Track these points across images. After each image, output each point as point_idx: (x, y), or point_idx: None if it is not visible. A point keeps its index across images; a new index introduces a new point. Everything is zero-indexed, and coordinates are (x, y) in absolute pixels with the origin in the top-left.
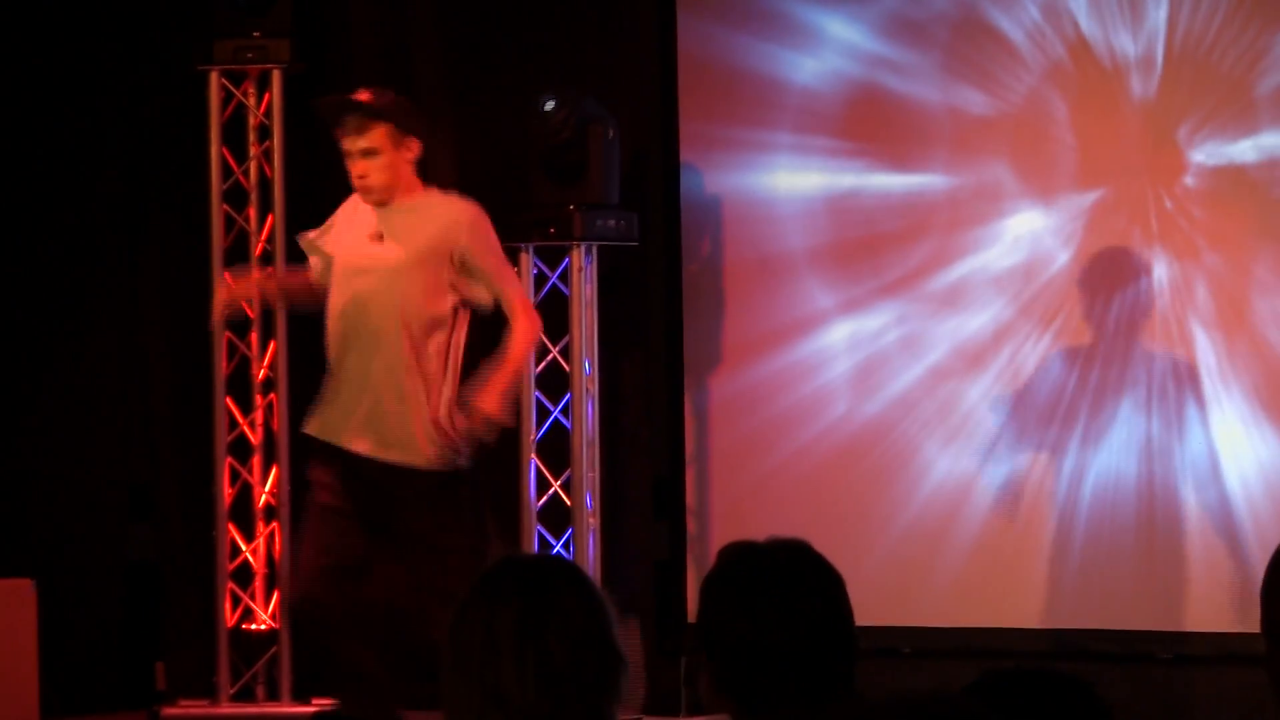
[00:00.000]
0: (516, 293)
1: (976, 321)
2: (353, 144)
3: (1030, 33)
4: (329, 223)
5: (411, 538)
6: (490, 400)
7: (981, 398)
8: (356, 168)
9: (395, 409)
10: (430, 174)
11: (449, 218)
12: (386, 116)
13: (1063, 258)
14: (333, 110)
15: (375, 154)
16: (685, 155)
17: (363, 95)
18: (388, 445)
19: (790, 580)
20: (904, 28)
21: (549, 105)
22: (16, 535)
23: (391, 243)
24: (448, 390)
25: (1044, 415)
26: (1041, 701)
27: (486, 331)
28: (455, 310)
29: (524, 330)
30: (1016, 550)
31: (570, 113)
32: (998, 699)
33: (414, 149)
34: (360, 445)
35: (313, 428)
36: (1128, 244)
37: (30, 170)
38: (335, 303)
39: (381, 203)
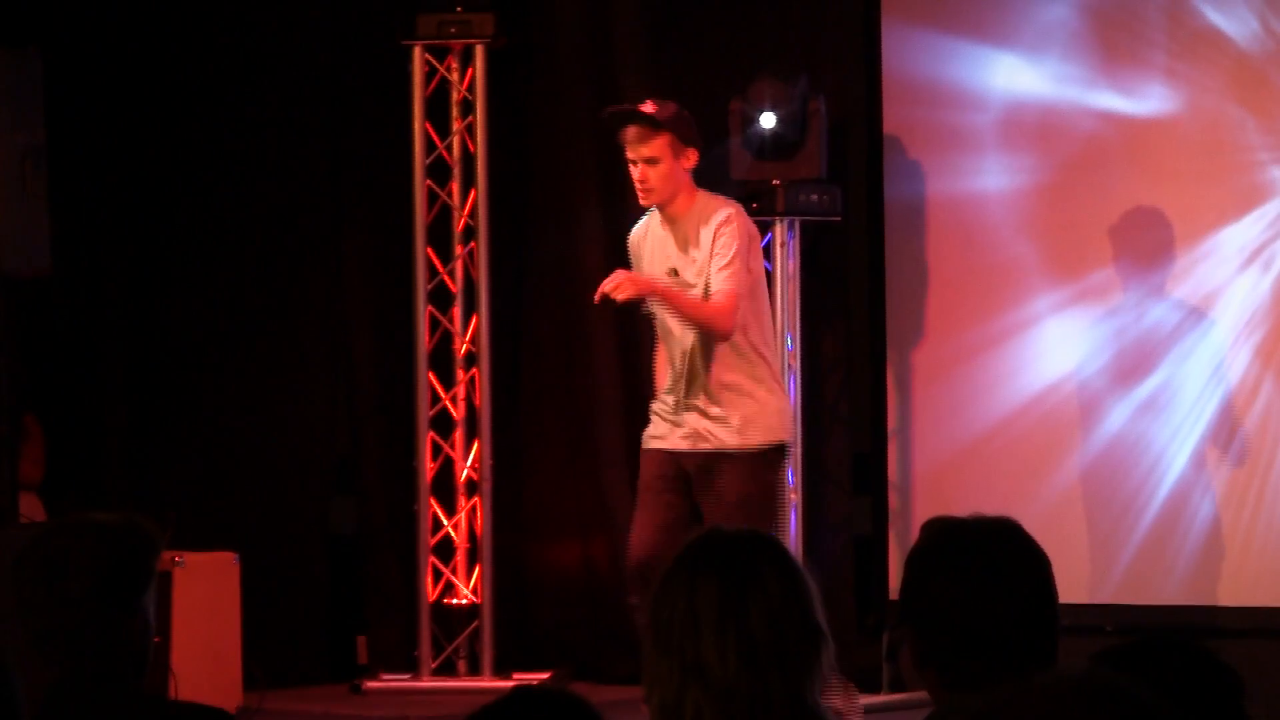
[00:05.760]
0: (724, 291)
1: (1194, 294)
2: (635, 151)
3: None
4: (636, 253)
5: None
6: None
7: (1191, 376)
8: (638, 173)
9: None
10: None
11: (708, 227)
12: (668, 128)
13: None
14: (618, 120)
15: (656, 162)
16: (888, 129)
17: (647, 107)
18: None
19: (997, 558)
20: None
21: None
22: (221, 509)
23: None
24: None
25: (1246, 401)
26: (1168, 673)
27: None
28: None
29: (713, 308)
30: (1224, 529)
31: (788, 96)
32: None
33: (692, 159)
34: None
35: None
36: None
37: (234, 146)
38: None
39: (659, 205)
